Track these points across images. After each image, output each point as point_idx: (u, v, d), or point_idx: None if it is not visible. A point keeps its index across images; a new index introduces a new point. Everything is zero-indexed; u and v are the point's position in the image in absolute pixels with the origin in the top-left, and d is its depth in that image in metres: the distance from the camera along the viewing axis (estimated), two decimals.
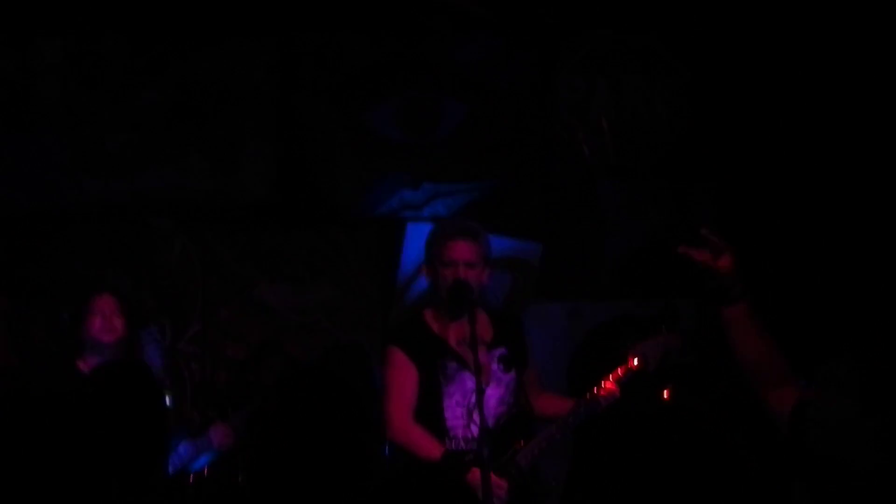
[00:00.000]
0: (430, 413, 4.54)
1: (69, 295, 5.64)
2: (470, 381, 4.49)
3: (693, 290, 5.94)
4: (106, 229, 6.65)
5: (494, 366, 4.66)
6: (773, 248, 6.25)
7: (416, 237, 6.91)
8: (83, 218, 6.57)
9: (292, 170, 6.65)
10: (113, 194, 6.53)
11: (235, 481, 5.44)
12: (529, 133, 6.78)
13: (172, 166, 6.56)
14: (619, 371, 4.72)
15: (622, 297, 6.72)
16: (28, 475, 3.27)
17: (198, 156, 6.57)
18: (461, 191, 6.85)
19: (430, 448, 4.45)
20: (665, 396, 5.30)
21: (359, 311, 6.86)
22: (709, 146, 6.70)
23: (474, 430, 4.49)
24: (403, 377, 4.57)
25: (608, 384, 4.68)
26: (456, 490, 4.40)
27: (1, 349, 5.89)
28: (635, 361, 4.73)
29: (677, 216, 6.79)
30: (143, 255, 6.71)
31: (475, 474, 4.27)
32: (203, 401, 6.51)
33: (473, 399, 4.41)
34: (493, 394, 4.58)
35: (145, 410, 3.47)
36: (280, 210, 6.71)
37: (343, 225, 6.88)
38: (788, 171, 6.41)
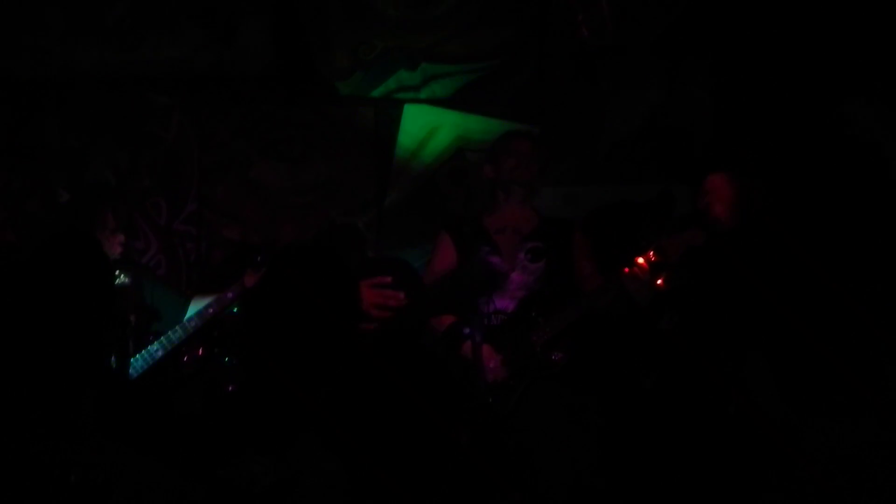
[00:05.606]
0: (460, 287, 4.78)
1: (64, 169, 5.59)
2: (496, 265, 4.89)
3: (689, 176, 5.92)
4: (102, 102, 6.59)
5: (522, 255, 4.91)
6: (770, 122, 6.23)
7: (413, 118, 6.89)
8: (78, 90, 6.51)
9: (289, 45, 6.60)
10: (108, 66, 6.46)
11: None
12: (528, 13, 6.70)
13: (169, 38, 6.49)
14: (640, 261, 4.76)
15: (618, 182, 6.72)
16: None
17: (195, 28, 6.49)
18: (459, 72, 6.80)
19: (443, 319, 4.80)
20: (660, 283, 5.33)
21: (355, 191, 6.85)
22: (705, 22, 6.60)
23: (492, 305, 4.81)
24: (442, 256, 5.00)
25: (625, 272, 4.75)
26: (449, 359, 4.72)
27: None
28: (652, 255, 4.78)
29: (675, 96, 6.77)
30: (139, 131, 6.67)
31: (466, 347, 4.50)
32: (198, 280, 6.51)
33: (497, 281, 4.84)
34: (516, 279, 4.87)
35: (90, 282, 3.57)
36: (277, 86, 6.67)
37: (340, 104, 6.84)
38: (784, 46, 6.34)
